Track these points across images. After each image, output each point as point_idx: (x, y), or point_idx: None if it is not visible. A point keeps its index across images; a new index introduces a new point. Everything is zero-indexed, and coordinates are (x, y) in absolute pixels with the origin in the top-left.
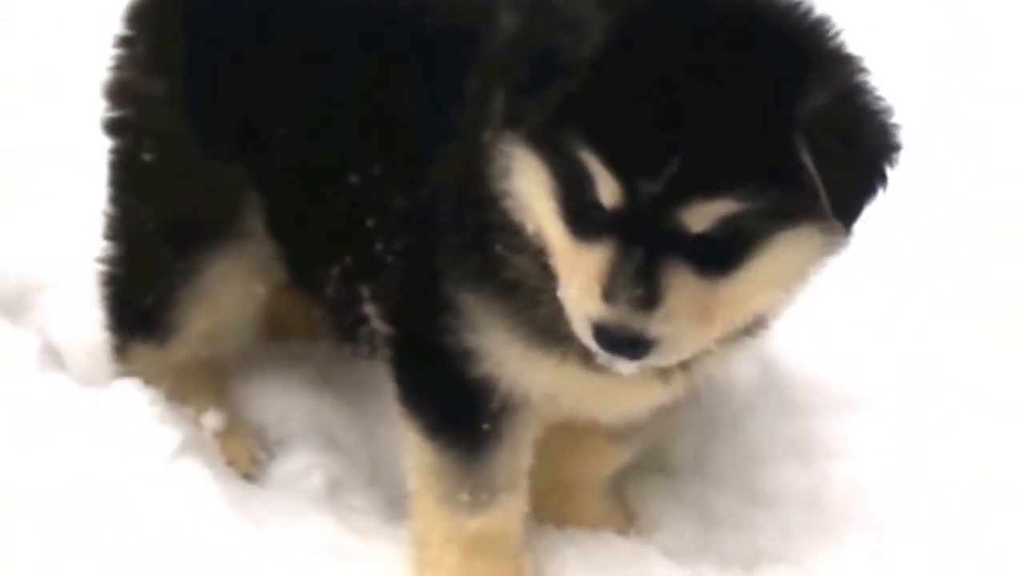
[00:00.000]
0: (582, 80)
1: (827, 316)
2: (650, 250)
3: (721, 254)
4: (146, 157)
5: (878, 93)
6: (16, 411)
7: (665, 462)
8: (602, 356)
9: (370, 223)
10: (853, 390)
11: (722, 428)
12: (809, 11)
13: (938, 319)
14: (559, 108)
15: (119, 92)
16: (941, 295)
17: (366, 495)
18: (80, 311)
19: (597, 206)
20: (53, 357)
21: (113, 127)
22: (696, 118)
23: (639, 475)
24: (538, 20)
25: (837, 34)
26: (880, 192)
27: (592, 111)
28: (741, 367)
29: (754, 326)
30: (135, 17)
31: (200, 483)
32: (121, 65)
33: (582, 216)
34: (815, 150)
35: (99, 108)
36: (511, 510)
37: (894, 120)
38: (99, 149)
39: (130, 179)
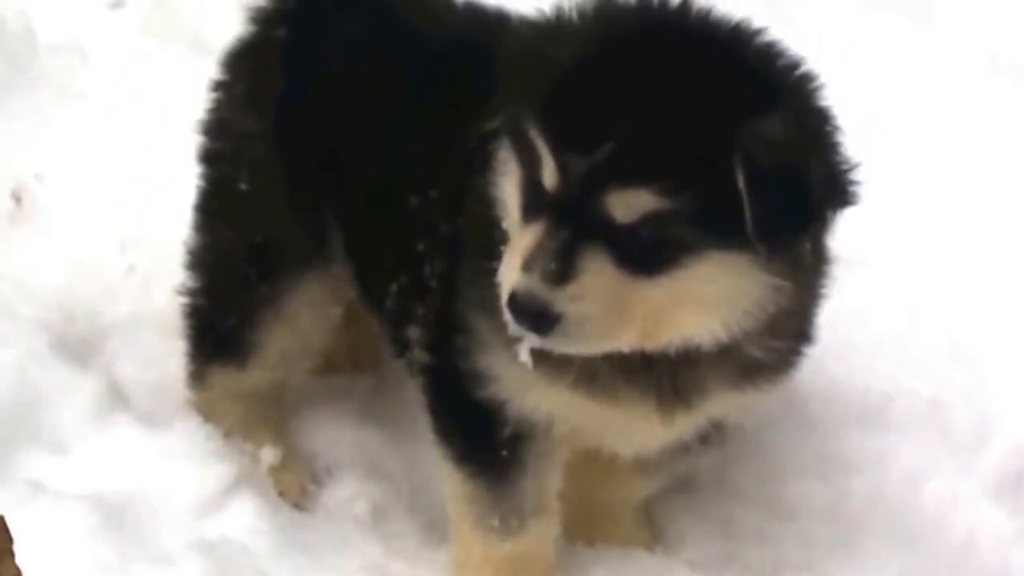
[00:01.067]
0: (552, 80)
1: (848, 330)
2: (575, 233)
3: (645, 255)
4: (241, 186)
5: (838, 133)
6: (82, 450)
7: (688, 478)
8: (512, 327)
9: (421, 246)
10: (873, 404)
11: (743, 443)
12: (781, 46)
13: (966, 333)
14: (531, 105)
15: (215, 128)
16: (962, 311)
17: (409, 521)
18: (145, 352)
19: (542, 190)
20: (118, 397)
21: (208, 158)
22: (638, 114)
23: (664, 492)
24: (533, 36)
25: (805, 70)
26: (812, 229)
27: (552, 103)
28: None
29: (766, 371)
30: (233, 61)
31: (252, 513)
32: (218, 107)
33: (532, 202)
34: (749, 172)
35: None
36: (542, 534)
37: (848, 163)
38: (171, 199)
39: (221, 207)
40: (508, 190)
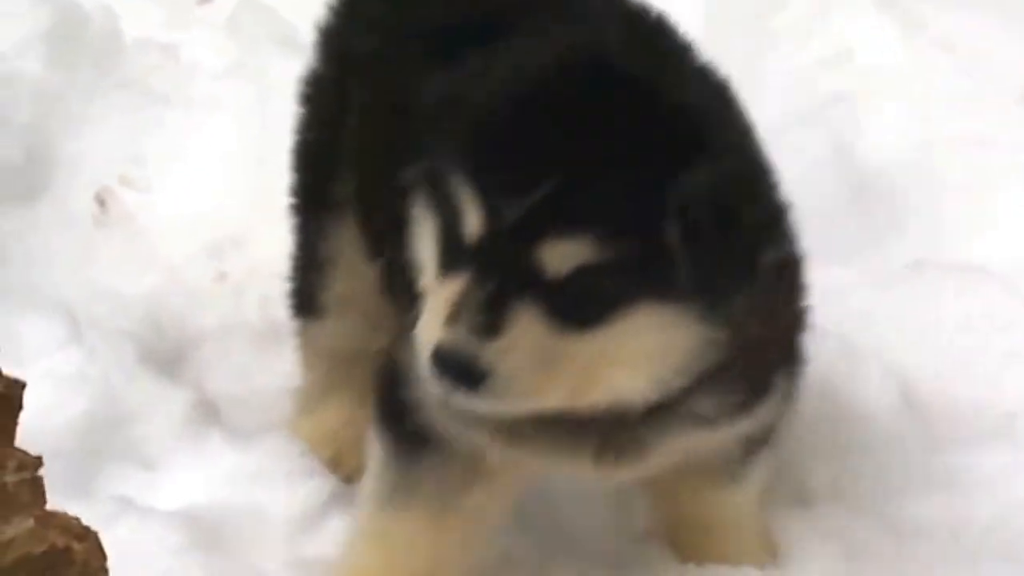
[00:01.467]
0: (478, 122)
1: (973, 343)
2: (504, 284)
3: (577, 309)
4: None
5: (774, 177)
6: (171, 465)
7: (802, 490)
8: (436, 387)
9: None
10: (998, 421)
11: (860, 455)
12: (720, 93)
13: None
14: (454, 150)
15: (308, 79)
16: None
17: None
18: (237, 364)
19: (463, 240)
20: (208, 411)
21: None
22: (571, 160)
23: (776, 504)
24: (455, 77)
25: (740, 110)
26: (750, 279)
27: (478, 147)
28: (879, 395)
29: (709, 422)
30: (309, 82)
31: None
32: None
33: (451, 253)
34: (681, 220)
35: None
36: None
37: (785, 208)
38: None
39: (294, 154)
40: (424, 243)
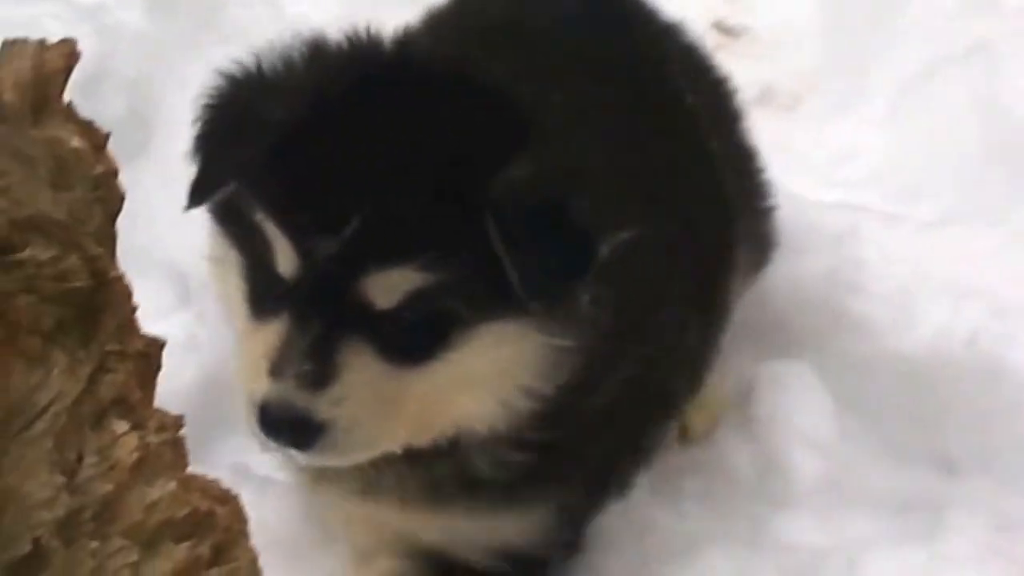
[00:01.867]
0: (268, 145)
1: None
2: (329, 325)
3: (413, 340)
4: None
5: (598, 164)
6: None
7: (947, 457)
8: (265, 445)
9: None
10: None
11: (1009, 421)
12: (520, 81)
13: None
14: (247, 176)
15: None
16: None
17: None
18: None
19: (277, 279)
20: None
21: None
22: (382, 181)
23: (919, 470)
24: (239, 87)
25: (562, 110)
26: (588, 272)
27: (274, 175)
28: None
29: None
30: None
31: None
32: None
33: (264, 292)
34: (502, 224)
35: None
36: None
37: (615, 195)
38: None
39: None
40: (230, 283)
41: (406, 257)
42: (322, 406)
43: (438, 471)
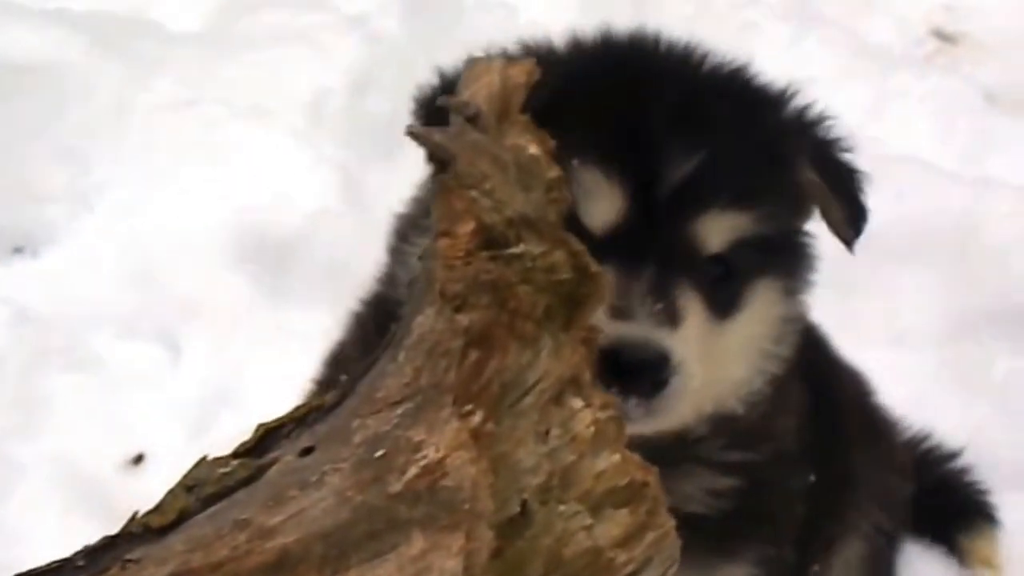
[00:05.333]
0: (601, 103)
1: None
2: (661, 269)
3: (727, 292)
4: None
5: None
6: None
7: None
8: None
9: None
10: None
11: None
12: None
13: None
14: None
15: None
16: None
17: None
18: None
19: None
20: None
21: None
22: (707, 131)
23: None
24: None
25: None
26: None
27: (579, 122)
28: None
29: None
30: None
31: None
32: None
33: None
34: (822, 168)
35: None
36: None
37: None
38: None
39: None
40: None
41: (741, 202)
42: (678, 345)
43: None
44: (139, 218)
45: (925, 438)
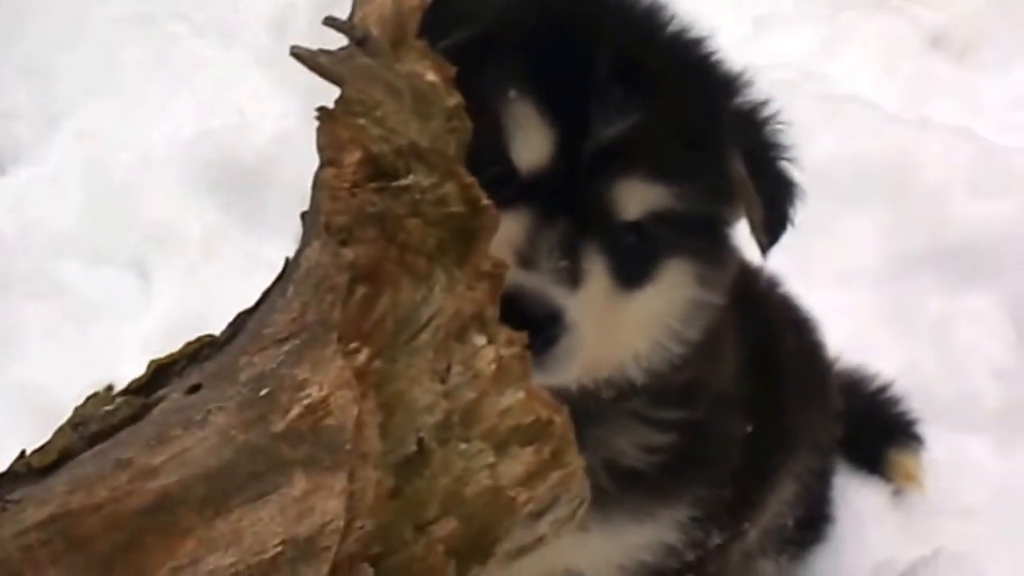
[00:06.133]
0: (551, 34)
1: None
2: (575, 227)
3: (635, 264)
4: None
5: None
6: None
7: None
8: None
9: None
10: None
11: None
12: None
13: None
14: (477, 58)
15: None
16: None
17: None
18: None
19: (504, 172)
20: None
21: None
22: (649, 90)
23: None
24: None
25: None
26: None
27: (524, 57)
28: None
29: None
30: None
31: None
32: None
33: (492, 180)
34: (755, 171)
35: None
36: None
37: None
38: None
39: None
40: None
41: (665, 175)
42: (573, 306)
43: (589, 459)
44: (105, 140)
45: (862, 373)
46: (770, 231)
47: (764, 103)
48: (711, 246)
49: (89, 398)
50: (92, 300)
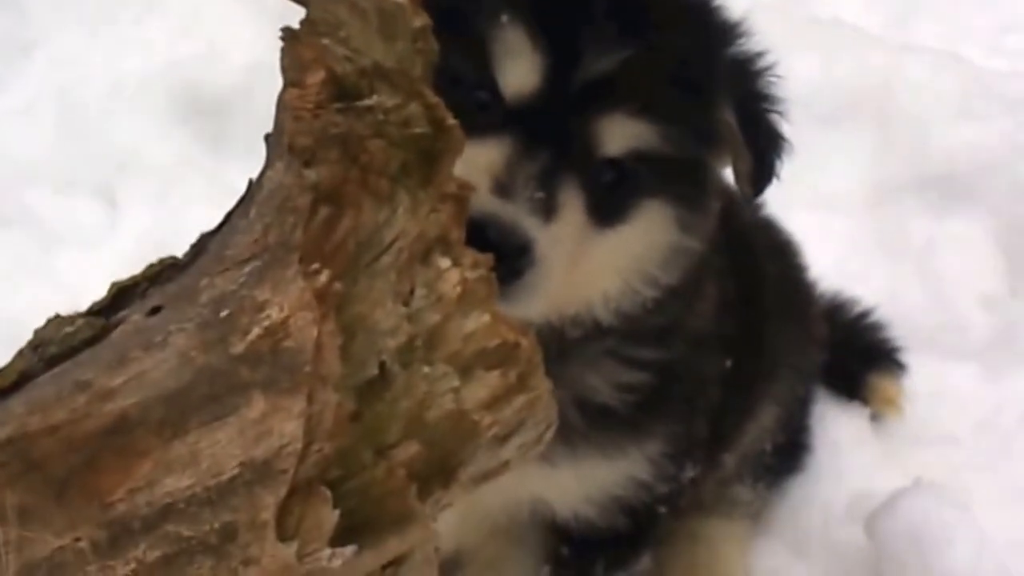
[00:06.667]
0: None
1: None
2: (555, 159)
3: (612, 202)
4: None
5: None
6: None
7: None
8: None
9: None
10: None
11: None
12: None
13: None
14: None
15: None
16: None
17: None
18: None
19: (490, 97)
20: None
21: None
22: (644, 27)
23: None
24: None
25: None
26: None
27: None
28: None
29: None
30: None
31: None
32: None
33: (476, 106)
34: (744, 121)
35: None
36: None
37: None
38: None
39: None
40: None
41: (651, 113)
42: (544, 239)
43: (559, 396)
44: (75, 69)
45: (844, 298)
46: (755, 183)
47: (760, 54)
48: (693, 191)
49: (50, 320)
50: (60, 227)
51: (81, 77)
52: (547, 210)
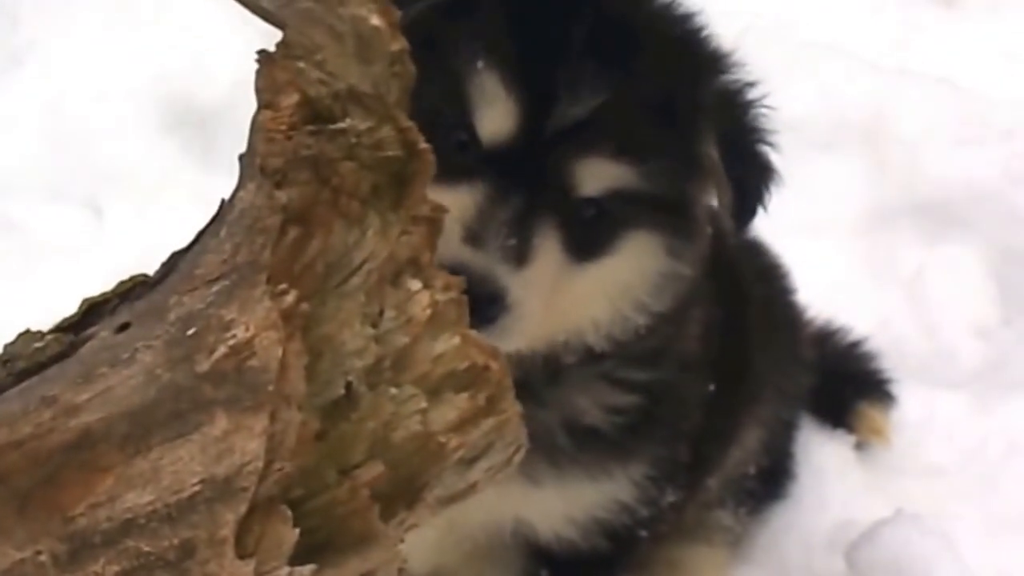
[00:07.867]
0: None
1: None
2: (529, 203)
3: (591, 238)
4: None
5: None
6: None
7: None
8: None
9: None
10: None
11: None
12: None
13: None
14: (449, 22)
15: None
16: None
17: None
18: None
19: (464, 142)
20: None
21: None
22: (623, 67)
23: None
24: None
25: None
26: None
27: (497, 23)
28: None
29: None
30: None
31: None
32: None
33: (451, 152)
34: (728, 155)
35: None
36: None
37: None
38: None
39: None
40: None
41: (628, 154)
42: (517, 285)
43: (548, 418)
44: (65, 79)
45: (835, 325)
46: (739, 216)
47: (750, 84)
48: (680, 220)
49: (20, 335)
50: (45, 237)
51: (69, 88)
52: (519, 256)
